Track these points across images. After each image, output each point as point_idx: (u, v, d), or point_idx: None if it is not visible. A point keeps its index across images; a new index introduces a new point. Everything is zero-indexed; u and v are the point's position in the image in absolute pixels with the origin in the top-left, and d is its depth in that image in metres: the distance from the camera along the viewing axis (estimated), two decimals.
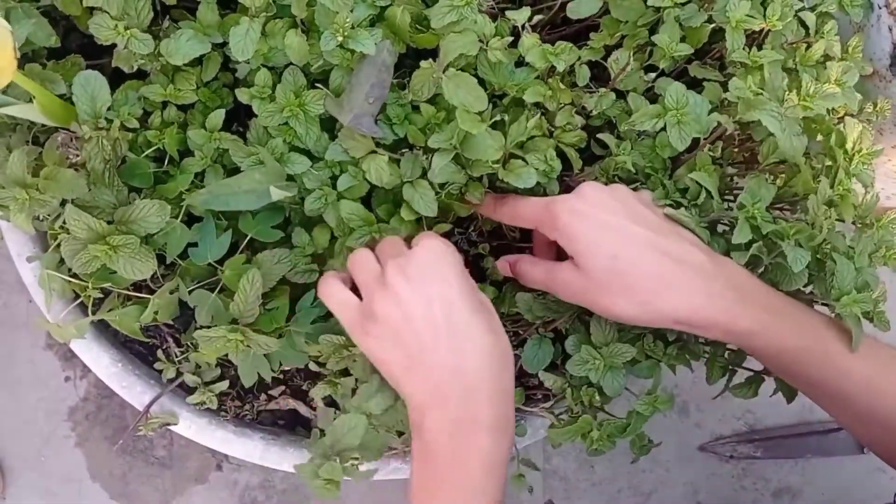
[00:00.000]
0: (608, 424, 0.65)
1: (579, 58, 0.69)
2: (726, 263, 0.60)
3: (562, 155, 0.69)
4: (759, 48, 0.70)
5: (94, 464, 0.95)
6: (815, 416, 1.07)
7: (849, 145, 0.66)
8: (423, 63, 0.66)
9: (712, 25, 0.69)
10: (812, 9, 0.73)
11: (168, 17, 0.68)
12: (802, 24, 0.71)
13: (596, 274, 0.58)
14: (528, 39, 0.68)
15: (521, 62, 0.69)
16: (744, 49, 0.67)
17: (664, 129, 0.63)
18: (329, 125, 0.69)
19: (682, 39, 0.70)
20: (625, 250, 0.57)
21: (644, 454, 0.69)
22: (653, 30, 0.71)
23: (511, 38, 0.67)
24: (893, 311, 0.71)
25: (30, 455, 0.95)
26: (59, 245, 0.65)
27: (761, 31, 0.69)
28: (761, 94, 0.60)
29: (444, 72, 0.65)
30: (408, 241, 0.64)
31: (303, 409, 0.77)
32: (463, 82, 0.65)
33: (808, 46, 0.71)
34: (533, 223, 0.63)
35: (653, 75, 0.68)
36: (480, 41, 0.66)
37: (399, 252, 0.60)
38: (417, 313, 0.56)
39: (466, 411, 0.55)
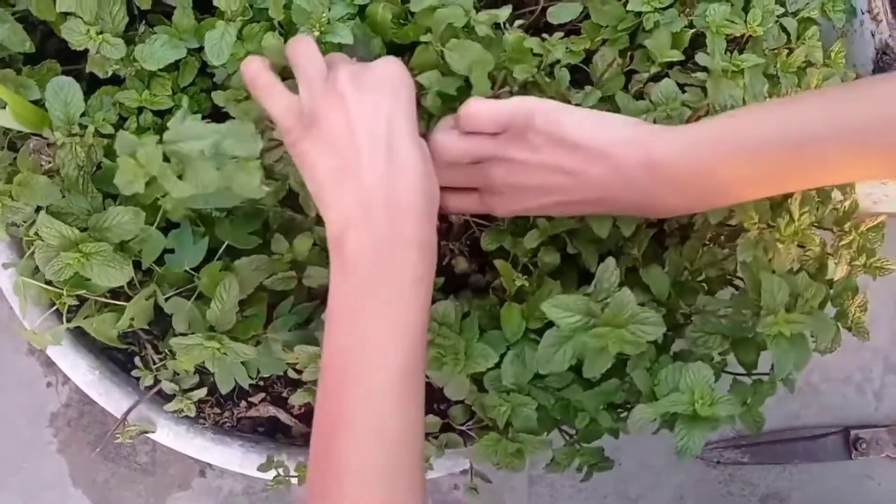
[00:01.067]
0: (516, 441, 0.63)
1: (558, 61, 0.69)
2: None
3: None
4: (741, 52, 0.69)
5: (76, 470, 0.95)
6: (801, 422, 1.07)
7: None
8: (422, 37, 0.64)
9: (693, 31, 0.68)
10: (794, 14, 0.73)
11: (144, 21, 0.68)
12: (784, 29, 0.71)
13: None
14: (511, 35, 0.67)
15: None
16: (725, 53, 0.67)
17: None
18: None
19: None
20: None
21: (592, 473, 0.67)
22: (633, 34, 0.71)
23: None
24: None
25: (11, 460, 0.95)
26: (34, 252, 0.64)
27: (743, 36, 0.69)
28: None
29: (444, 45, 0.64)
30: None
31: (283, 417, 0.76)
32: (467, 49, 0.62)
33: (790, 52, 0.71)
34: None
35: (646, 75, 0.68)
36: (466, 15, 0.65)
37: (351, 61, 0.59)
38: (362, 125, 0.54)
39: (393, 231, 0.53)
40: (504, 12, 0.67)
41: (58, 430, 0.94)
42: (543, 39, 0.70)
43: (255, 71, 0.58)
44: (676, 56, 0.67)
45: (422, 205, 0.54)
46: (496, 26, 0.68)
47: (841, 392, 1.07)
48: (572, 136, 0.56)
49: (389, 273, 0.53)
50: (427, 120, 0.66)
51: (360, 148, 0.54)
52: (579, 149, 0.56)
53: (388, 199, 0.53)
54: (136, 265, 0.67)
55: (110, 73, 0.65)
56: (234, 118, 0.66)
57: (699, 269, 0.65)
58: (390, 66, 0.57)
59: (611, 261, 0.59)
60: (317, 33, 0.61)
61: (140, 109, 0.67)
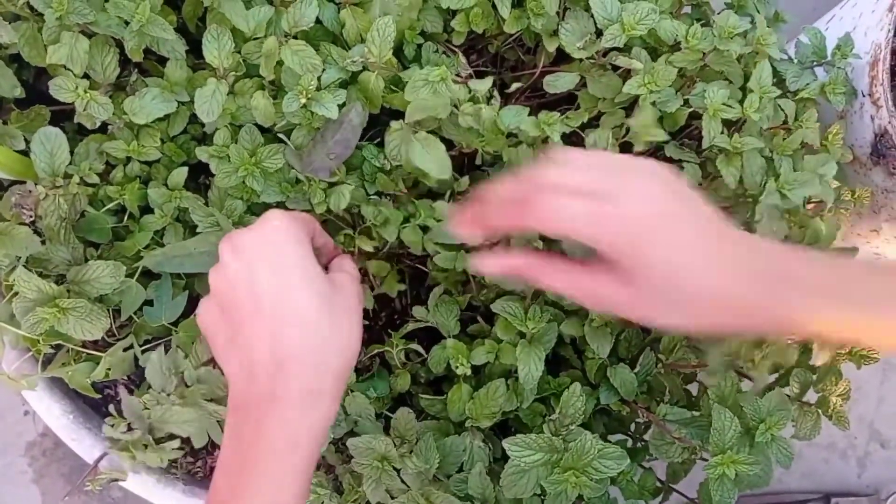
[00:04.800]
0: None
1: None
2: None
3: None
4: (740, 129, 0.69)
5: (50, 500, 0.94)
6: (782, 486, 1.06)
7: (823, 244, 0.65)
8: (393, 124, 0.65)
9: (690, 110, 0.68)
10: (794, 93, 0.72)
11: (136, 69, 0.67)
12: (782, 109, 0.70)
13: (649, 288, 0.48)
14: (486, 111, 0.67)
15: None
16: (723, 134, 0.66)
17: None
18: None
19: (660, 121, 0.69)
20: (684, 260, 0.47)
21: None
22: (630, 108, 0.70)
23: (483, 105, 0.67)
24: None
25: None
26: (12, 295, 0.64)
27: (738, 118, 0.68)
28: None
29: (414, 133, 0.64)
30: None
31: None
32: (431, 147, 0.64)
33: (787, 132, 0.70)
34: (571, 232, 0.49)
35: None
36: (454, 106, 0.65)
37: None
38: (241, 284, 0.53)
39: (272, 384, 0.52)
40: (484, 84, 0.66)
41: (33, 460, 0.94)
42: (539, 107, 0.70)
43: None
44: (661, 136, 0.66)
45: (308, 352, 0.52)
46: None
47: (823, 457, 1.07)
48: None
49: (265, 434, 0.51)
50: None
51: (241, 308, 0.53)
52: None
53: (271, 355, 0.52)
54: (115, 311, 0.67)
55: (99, 124, 0.65)
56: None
57: (672, 366, 0.64)
58: (268, 219, 0.55)
59: (576, 386, 0.59)
60: (303, 100, 0.61)
61: (128, 159, 0.67)
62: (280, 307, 0.52)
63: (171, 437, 0.72)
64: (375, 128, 0.71)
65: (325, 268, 0.61)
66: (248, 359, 0.52)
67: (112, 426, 0.71)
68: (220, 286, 0.54)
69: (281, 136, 0.67)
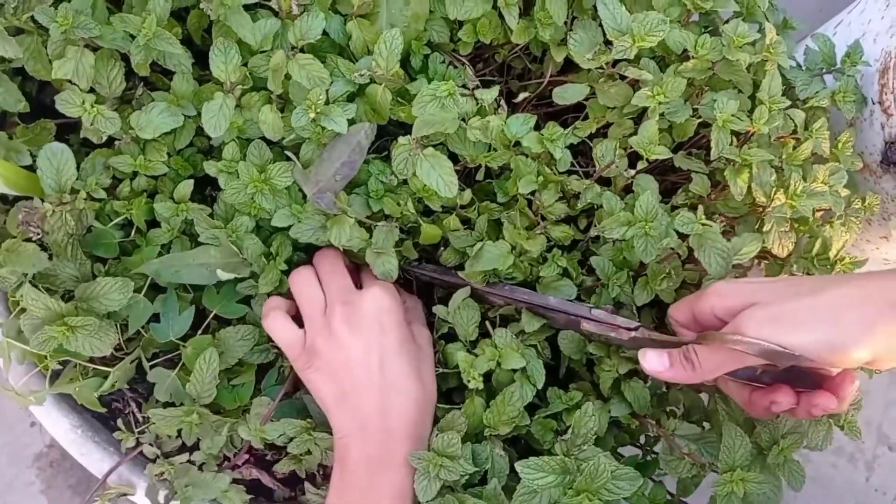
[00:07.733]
0: None
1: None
2: None
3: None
4: (749, 139, 0.68)
5: None
6: (789, 492, 1.06)
7: (832, 253, 0.65)
8: (400, 139, 0.65)
9: (699, 120, 0.67)
10: (804, 101, 0.72)
11: (143, 83, 0.67)
12: (791, 118, 0.69)
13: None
14: (494, 120, 0.66)
15: None
16: (731, 146, 0.66)
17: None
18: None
19: (669, 130, 0.69)
20: None
21: None
22: (639, 118, 0.69)
23: (491, 117, 0.66)
24: None
25: None
26: (19, 312, 0.63)
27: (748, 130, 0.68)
28: (710, 227, 0.59)
29: (422, 150, 0.64)
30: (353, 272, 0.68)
31: (266, 480, 0.75)
32: (438, 163, 0.63)
33: (797, 142, 0.70)
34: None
35: (632, 172, 0.67)
36: (462, 120, 0.65)
37: (345, 290, 0.66)
38: (356, 359, 0.63)
39: (384, 450, 0.61)
40: (490, 93, 0.65)
41: (40, 471, 0.93)
42: (546, 116, 0.69)
43: (271, 307, 0.67)
44: (664, 153, 0.65)
45: (412, 424, 0.62)
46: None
47: (831, 461, 1.06)
48: None
49: (376, 491, 0.60)
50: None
51: (356, 380, 0.63)
52: None
53: (382, 423, 0.62)
54: (122, 326, 0.66)
55: (105, 139, 0.64)
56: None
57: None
58: (375, 297, 0.65)
59: (588, 406, 0.59)
60: (312, 114, 0.60)
61: (134, 173, 0.66)
62: (388, 384, 0.63)
63: (183, 445, 0.72)
64: (382, 139, 0.71)
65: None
66: (359, 422, 0.62)
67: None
68: (336, 357, 0.63)
69: (288, 153, 0.66)
